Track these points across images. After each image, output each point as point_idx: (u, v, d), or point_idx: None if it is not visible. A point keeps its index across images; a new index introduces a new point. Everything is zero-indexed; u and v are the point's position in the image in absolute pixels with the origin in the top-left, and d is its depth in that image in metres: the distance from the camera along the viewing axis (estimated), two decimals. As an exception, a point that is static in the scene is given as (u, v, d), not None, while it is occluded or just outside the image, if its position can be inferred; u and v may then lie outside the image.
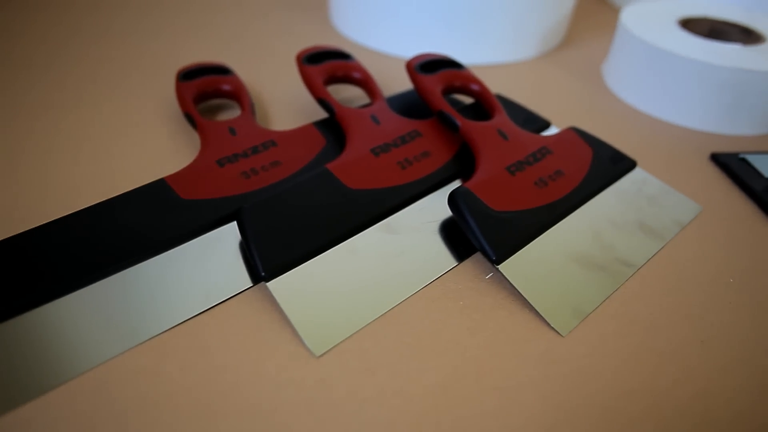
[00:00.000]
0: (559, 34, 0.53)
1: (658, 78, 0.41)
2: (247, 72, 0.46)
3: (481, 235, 0.28)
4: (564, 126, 0.41)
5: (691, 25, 0.46)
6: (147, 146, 0.37)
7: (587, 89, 0.46)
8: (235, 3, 0.60)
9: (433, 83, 0.37)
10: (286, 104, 0.42)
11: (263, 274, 0.26)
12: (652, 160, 0.38)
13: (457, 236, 0.31)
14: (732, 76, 0.39)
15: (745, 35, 0.44)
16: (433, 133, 0.35)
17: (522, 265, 0.28)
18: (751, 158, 0.37)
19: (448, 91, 0.38)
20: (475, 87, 0.38)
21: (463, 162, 0.34)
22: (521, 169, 0.32)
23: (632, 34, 0.42)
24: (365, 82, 0.39)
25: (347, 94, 0.43)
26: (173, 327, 0.25)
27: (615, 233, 0.31)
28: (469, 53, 0.48)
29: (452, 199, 0.29)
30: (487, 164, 0.32)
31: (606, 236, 0.31)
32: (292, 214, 0.29)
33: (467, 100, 0.43)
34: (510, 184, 0.31)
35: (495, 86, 0.45)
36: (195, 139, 0.37)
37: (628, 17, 0.45)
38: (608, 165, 0.34)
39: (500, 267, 0.27)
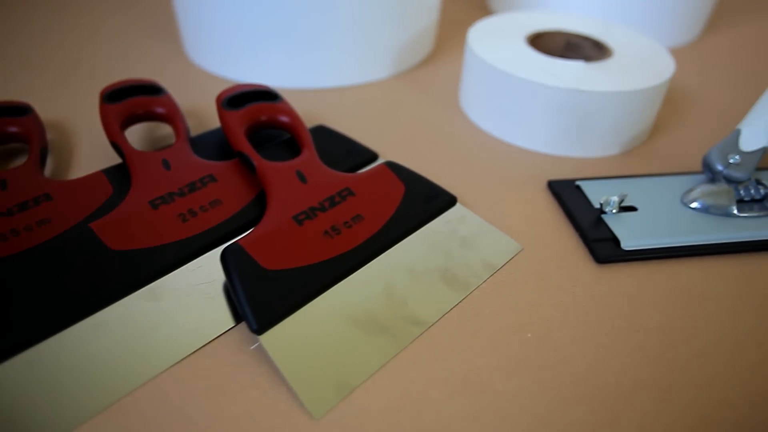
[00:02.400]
0: (421, 51, 0.50)
1: (501, 100, 0.39)
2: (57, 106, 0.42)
3: (245, 300, 0.25)
4: (398, 156, 0.38)
5: (545, 39, 0.44)
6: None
7: (440, 112, 0.43)
8: (89, 28, 0.56)
9: (237, 119, 0.33)
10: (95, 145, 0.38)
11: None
12: (489, 190, 0.35)
13: (231, 300, 0.27)
14: (568, 98, 0.36)
15: (596, 49, 0.42)
16: (232, 178, 0.32)
17: (289, 333, 0.25)
18: (585, 185, 0.35)
19: (258, 126, 0.35)
20: (284, 120, 0.35)
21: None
22: (312, 216, 0.29)
23: (475, 54, 0.40)
24: (170, 119, 0.35)
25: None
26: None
27: (410, 285, 0.28)
28: (312, 76, 0.45)
29: (222, 258, 0.26)
30: (273, 213, 0.29)
31: (399, 290, 0.28)
32: (43, 280, 0.25)
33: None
34: (294, 237, 0.28)
35: (334, 112, 0.42)
36: None
37: (475, 34, 0.42)
38: (422, 204, 0.31)
39: (262, 337, 0.24)
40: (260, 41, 0.43)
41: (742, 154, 0.34)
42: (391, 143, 0.39)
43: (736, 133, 0.36)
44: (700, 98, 0.47)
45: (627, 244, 0.31)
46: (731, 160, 0.34)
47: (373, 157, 0.36)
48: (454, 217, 0.32)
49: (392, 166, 0.33)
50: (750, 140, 0.35)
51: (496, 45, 0.40)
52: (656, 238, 0.31)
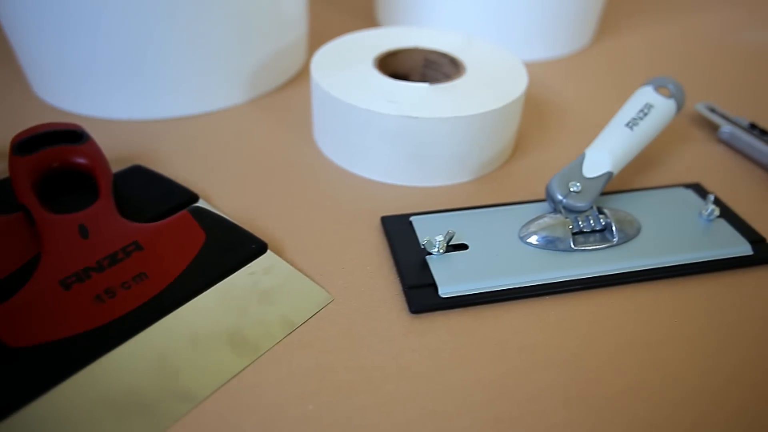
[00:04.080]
0: (286, 71, 0.47)
1: (342, 129, 0.36)
2: None
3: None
4: (230, 195, 0.35)
5: (402, 57, 0.41)
6: None
7: (291, 142, 0.40)
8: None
9: (25, 166, 0.30)
10: None
11: None
12: (318, 230, 0.32)
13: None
14: (403, 126, 0.33)
15: (453, 67, 0.39)
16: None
17: (31, 422, 0.22)
18: (418, 221, 0.32)
19: (52, 173, 0.31)
20: (83, 163, 0.31)
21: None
22: (84, 278, 0.26)
23: (314, 80, 0.37)
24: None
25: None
26: None
27: (189, 353, 0.25)
28: (151, 105, 0.41)
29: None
30: (39, 277, 0.26)
31: (174, 360, 0.25)
32: None
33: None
34: (56, 304, 0.25)
35: (171, 146, 0.39)
36: None
37: (321, 58, 0.39)
38: (223, 254, 0.29)
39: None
40: (96, 70, 0.39)
41: (584, 180, 0.32)
42: (225, 180, 0.36)
43: (581, 158, 0.33)
44: (574, 113, 0.45)
45: (445, 290, 0.28)
46: (572, 188, 0.32)
47: (192, 198, 0.33)
48: (260, 267, 0.29)
49: (196, 213, 0.30)
50: (593, 166, 0.33)
51: (339, 69, 0.37)
52: (481, 280, 0.29)
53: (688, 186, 0.36)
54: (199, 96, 0.41)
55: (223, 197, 0.34)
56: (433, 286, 0.28)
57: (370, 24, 0.59)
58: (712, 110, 0.43)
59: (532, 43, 0.52)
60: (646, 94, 0.36)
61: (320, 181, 0.36)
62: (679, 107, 0.37)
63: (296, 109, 0.43)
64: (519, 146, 0.40)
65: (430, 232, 0.31)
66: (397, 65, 0.41)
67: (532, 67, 0.52)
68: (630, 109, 0.35)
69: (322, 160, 0.38)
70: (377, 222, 0.33)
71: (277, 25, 0.44)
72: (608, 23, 0.62)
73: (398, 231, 0.32)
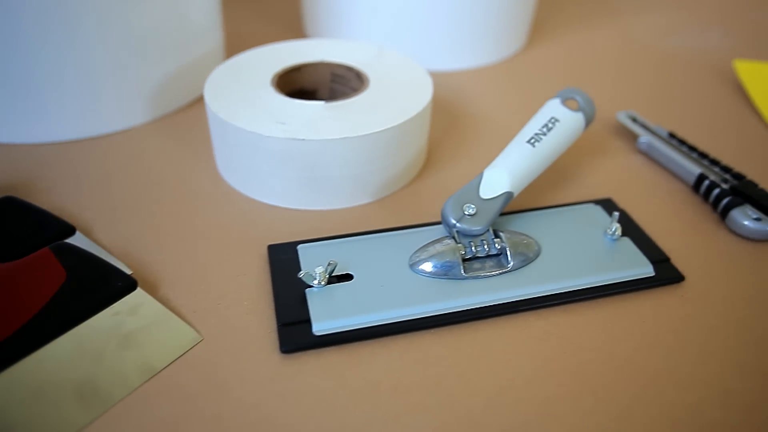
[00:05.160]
0: (195, 88, 0.45)
1: (234, 153, 0.34)
2: None
3: None
4: (110, 228, 0.33)
5: (308, 72, 0.39)
6: None
7: (190, 165, 0.38)
8: None
9: None
10: None
11: None
12: (202, 262, 0.30)
13: None
14: (292, 148, 0.32)
15: (359, 81, 0.38)
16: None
17: None
18: (306, 250, 0.30)
19: None
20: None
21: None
22: None
23: (205, 99, 0.35)
24: None
25: None
26: None
27: (29, 408, 0.23)
28: (36, 127, 0.38)
29: None
30: None
31: (11, 416, 0.23)
32: None
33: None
34: None
35: (51, 172, 0.37)
36: None
37: (220, 74, 0.37)
38: (84, 295, 0.27)
39: None
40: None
41: (481, 202, 0.31)
42: (113, 209, 0.34)
43: (479, 179, 0.32)
44: (495, 125, 0.43)
45: (320, 327, 0.26)
46: (466, 211, 0.30)
47: (66, 231, 0.31)
48: (126, 306, 0.27)
49: (59, 249, 0.28)
50: (491, 186, 0.31)
51: (235, 88, 0.36)
52: (361, 314, 0.27)
53: (599, 202, 0.35)
54: (91, 117, 0.39)
55: (106, 228, 0.32)
56: (309, 322, 0.27)
57: (299, 36, 0.57)
58: (634, 119, 0.42)
59: (459, 52, 0.51)
60: (553, 108, 0.35)
61: (214, 207, 0.34)
62: (588, 120, 0.36)
63: (202, 130, 0.41)
64: (430, 163, 0.39)
65: (317, 262, 0.30)
66: (303, 81, 0.40)
67: (456, 77, 0.50)
68: (534, 124, 0.34)
69: (220, 185, 0.36)
70: (265, 251, 0.31)
71: (184, 38, 0.42)
72: (542, 29, 0.61)
73: (284, 261, 0.30)
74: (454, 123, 0.43)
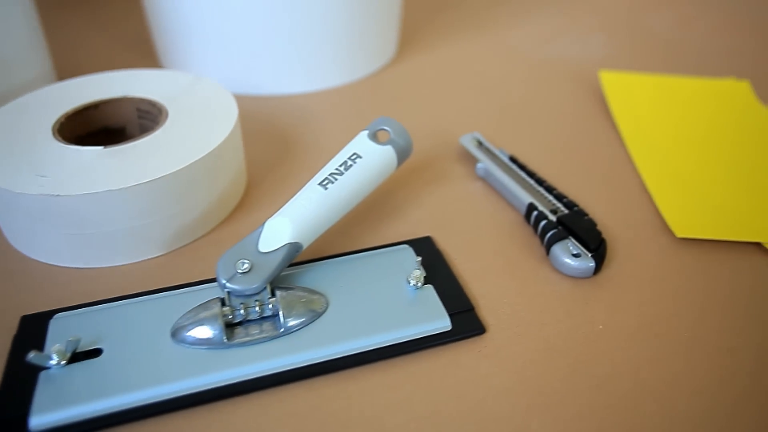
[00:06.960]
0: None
1: (8, 218, 0.30)
2: None
3: None
4: None
5: (112, 108, 0.36)
6: None
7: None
8: None
9: None
10: None
11: None
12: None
13: None
14: (43, 205, 0.28)
15: (161, 117, 0.34)
16: None
17: None
18: (58, 320, 0.27)
19: None
20: None
21: None
22: None
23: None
24: None
25: None
26: None
27: None
28: None
29: None
30: None
31: None
32: None
33: None
34: None
35: None
36: None
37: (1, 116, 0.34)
38: None
39: None
40: None
41: (258, 257, 0.27)
42: None
43: (259, 230, 0.28)
44: (332, 154, 0.40)
45: (40, 421, 0.23)
46: (239, 268, 0.27)
47: None
48: None
49: None
50: (272, 238, 0.28)
51: (11, 135, 0.32)
52: (98, 400, 0.24)
53: (416, 242, 0.32)
54: None
55: None
56: (26, 417, 0.23)
57: (154, 65, 0.53)
58: (480, 143, 0.39)
59: (313, 73, 0.47)
60: (358, 142, 0.32)
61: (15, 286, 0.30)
62: (402, 152, 0.32)
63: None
64: (248, 201, 0.35)
65: (71, 335, 0.26)
66: (105, 119, 0.36)
67: (307, 99, 0.47)
68: (332, 163, 0.31)
69: (18, 260, 0.32)
70: (17, 323, 0.28)
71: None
72: (412, 41, 0.58)
73: (30, 336, 0.26)
74: (286, 153, 0.40)
